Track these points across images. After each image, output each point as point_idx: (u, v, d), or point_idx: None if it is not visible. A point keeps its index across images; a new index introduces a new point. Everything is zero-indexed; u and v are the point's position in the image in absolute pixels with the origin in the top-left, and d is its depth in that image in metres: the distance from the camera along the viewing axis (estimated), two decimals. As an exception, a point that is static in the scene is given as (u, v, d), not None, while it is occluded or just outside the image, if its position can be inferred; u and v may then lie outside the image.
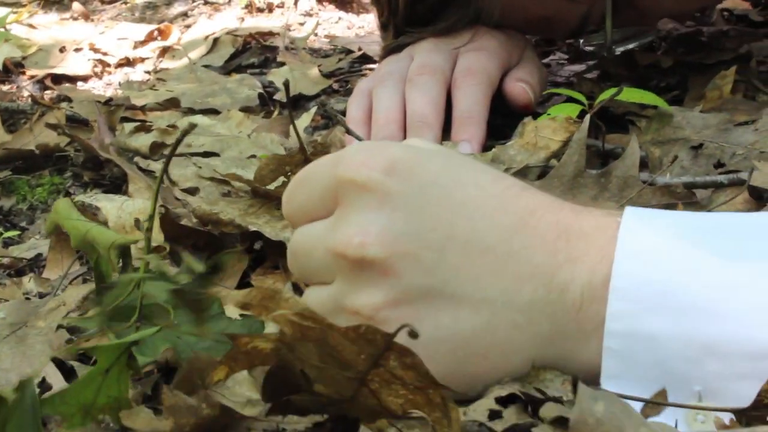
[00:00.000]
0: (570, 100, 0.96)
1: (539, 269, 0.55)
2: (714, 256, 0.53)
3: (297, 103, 1.25)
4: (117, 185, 1.04)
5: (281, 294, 0.51)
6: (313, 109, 1.17)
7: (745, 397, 0.51)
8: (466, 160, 0.61)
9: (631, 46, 1.09)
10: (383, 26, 1.16)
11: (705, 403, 0.53)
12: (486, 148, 0.95)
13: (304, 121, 1.14)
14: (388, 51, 1.13)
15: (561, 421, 0.51)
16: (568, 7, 1.05)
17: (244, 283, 0.79)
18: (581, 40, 1.17)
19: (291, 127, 1.09)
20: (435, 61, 1.02)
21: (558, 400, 0.53)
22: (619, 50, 1.08)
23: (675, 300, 0.52)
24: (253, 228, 0.79)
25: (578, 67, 1.23)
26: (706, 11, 1.37)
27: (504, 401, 0.55)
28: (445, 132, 0.99)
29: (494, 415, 0.54)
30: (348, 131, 0.92)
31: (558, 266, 0.55)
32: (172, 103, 1.23)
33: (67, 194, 1.06)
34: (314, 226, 0.61)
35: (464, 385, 0.56)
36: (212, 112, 1.19)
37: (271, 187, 0.84)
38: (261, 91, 1.27)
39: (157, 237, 0.83)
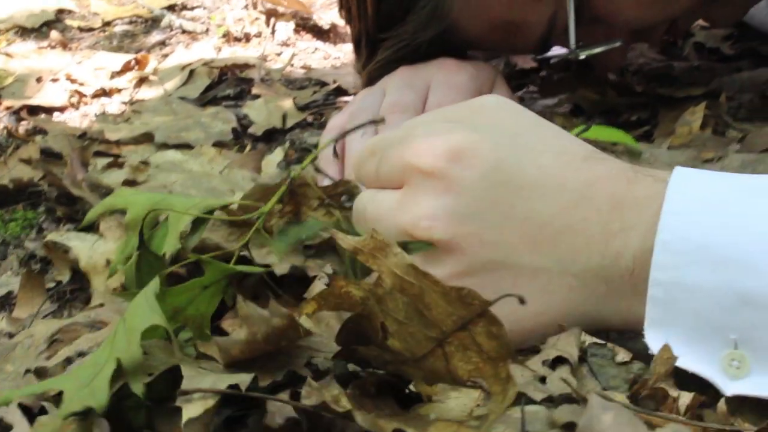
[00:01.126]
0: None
1: (594, 239, 0.61)
2: (754, 213, 0.58)
3: (271, 135, 1.25)
4: (91, 220, 1.04)
5: (391, 248, 0.55)
6: (287, 144, 1.18)
7: None
8: (531, 138, 0.65)
9: (597, 50, 1.10)
10: (356, 43, 1.17)
11: (740, 351, 0.57)
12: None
13: (277, 155, 1.14)
14: (368, 80, 1.14)
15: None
16: (533, 7, 1.06)
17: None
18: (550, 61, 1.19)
19: (263, 163, 1.11)
20: (406, 98, 1.03)
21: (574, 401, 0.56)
22: (583, 54, 1.09)
23: (715, 253, 0.57)
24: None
25: (550, 101, 1.24)
26: (678, 38, 1.37)
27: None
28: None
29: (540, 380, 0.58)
30: (317, 170, 0.92)
31: (612, 235, 0.61)
32: (146, 138, 1.23)
33: (40, 230, 1.06)
34: (383, 196, 0.67)
35: (522, 338, 0.62)
36: (186, 146, 1.19)
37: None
38: (235, 125, 1.27)
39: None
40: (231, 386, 0.55)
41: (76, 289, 0.91)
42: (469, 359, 0.54)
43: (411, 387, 0.58)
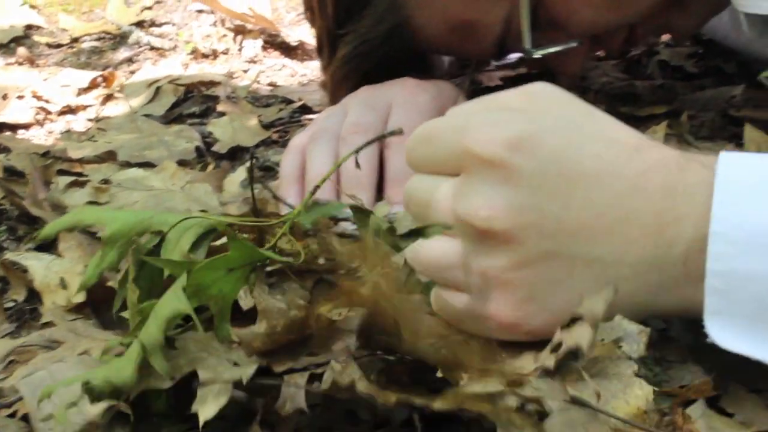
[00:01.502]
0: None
1: (647, 230, 0.62)
2: None
3: (235, 154, 1.25)
4: (52, 239, 1.03)
5: (385, 251, 0.57)
6: (249, 163, 1.17)
7: None
8: (585, 127, 0.66)
9: (552, 50, 1.10)
10: (319, 44, 1.19)
11: None
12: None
13: (239, 174, 1.14)
14: (332, 97, 1.14)
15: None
16: (488, 6, 1.07)
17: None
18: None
19: (225, 181, 1.11)
20: (367, 119, 1.03)
21: None
22: (538, 54, 1.09)
23: (767, 240, 0.58)
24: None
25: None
26: (635, 46, 1.37)
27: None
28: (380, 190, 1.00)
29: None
30: (276, 197, 0.91)
31: (665, 225, 0.61)
32: (109, 156, 1.22)
33: (1, 249, 1.05)
34: (437, 182, 0.67)
35: None
36: (149, 165, 1.19)
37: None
38: (198, 143, 1.27)
39: (78, 295, 0.84)
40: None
41: (35, 309, 0.90)
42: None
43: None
